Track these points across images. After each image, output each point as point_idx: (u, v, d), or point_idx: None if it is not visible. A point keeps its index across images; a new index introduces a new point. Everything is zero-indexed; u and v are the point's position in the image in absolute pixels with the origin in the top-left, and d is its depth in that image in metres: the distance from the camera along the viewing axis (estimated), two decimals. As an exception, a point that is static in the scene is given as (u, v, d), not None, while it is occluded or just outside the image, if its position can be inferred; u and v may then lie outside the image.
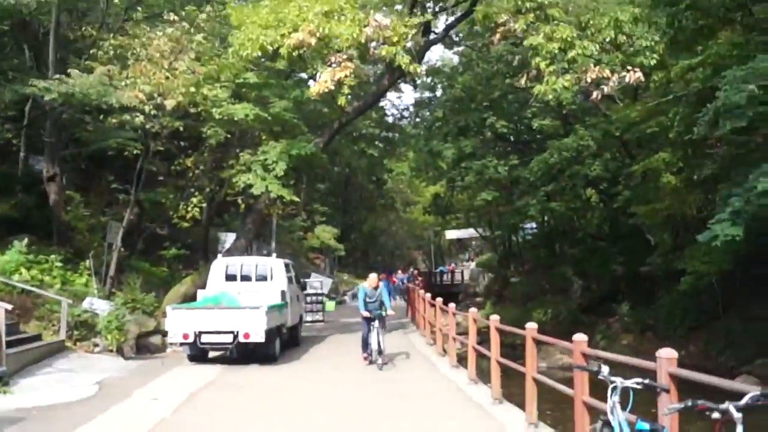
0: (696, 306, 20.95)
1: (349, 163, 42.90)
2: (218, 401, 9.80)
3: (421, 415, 8.80)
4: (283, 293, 15.20)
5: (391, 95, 42.66)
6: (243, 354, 13.63)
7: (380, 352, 13.04)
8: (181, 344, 13.84)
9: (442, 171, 29.61)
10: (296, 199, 16.96)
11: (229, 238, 26.37)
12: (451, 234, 67.71)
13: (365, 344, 13.63)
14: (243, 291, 15.05)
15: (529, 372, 8.10)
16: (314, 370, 13.04)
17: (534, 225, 44.65)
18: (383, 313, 13.63)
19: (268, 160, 16.19)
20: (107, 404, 9.27)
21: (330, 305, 28.03)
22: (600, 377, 4.98)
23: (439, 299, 17.72)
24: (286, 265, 16.36)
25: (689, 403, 3.62)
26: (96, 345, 14.27)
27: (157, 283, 18.79)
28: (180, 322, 13.19)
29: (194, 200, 17.14)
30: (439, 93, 31.62)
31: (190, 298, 17.29)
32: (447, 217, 59.63)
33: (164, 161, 23.67)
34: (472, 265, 60.85)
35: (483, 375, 11.50)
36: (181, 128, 17.12)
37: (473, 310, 12.95)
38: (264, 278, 15.63)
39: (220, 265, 15.76)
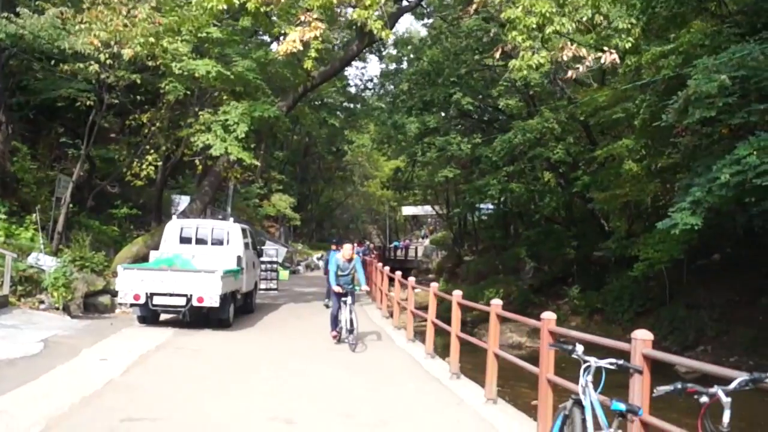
0: (644, 292, 21.41)
1: (310, 131, 42.29)
2: (170, 364, 9.48)
3: (378, 387, 8.67)
4: (239, 258, 14.84)
5: (355, 66, 42.18)
6: (196, 318, 13.28)
7: (351, 331, 11.57)
8: (132, 305, 13.41)
9: (404, 145, 29.31)
10: (256, 162, 16.49)
11: (182, 201, 25.74)
12: (407, 210, 67.94)
13: (334, 321, 12.19)
14: (198, 254, 14.62)
15: (492, 348, 8.02)
16: (269, 338, 12.78)
17: (490, 205, 45.15)
18: (357, 289, 12.45)
19: (229, 120, 15.66)
20: (53, 363, 8.86)
21: (284, 274, 27.72)
22: (574, 356, 4.86)
23: (398, 273, 17.77)
24: (243, 231, 15.97)
25: (678, 386, 3.52)
26: (41, 302, 13.74)
27: (107, 242, 18.19)
28: (131, 282, 12.75)
29: (149, 158, 16.47)
30: (405, 65, 31.22)
31: (141, 258, 16.78)
32: (404, 193, 59.81)
33: (118, 116, 22.80)
34: (427, 242, 61.24)
35: (436, 350, 11.47)
36: (138, 81, 16.46)
37: (434, 284, 12.84)
38: (220, 242, 15.22)
39: (174, 227, 15.28)
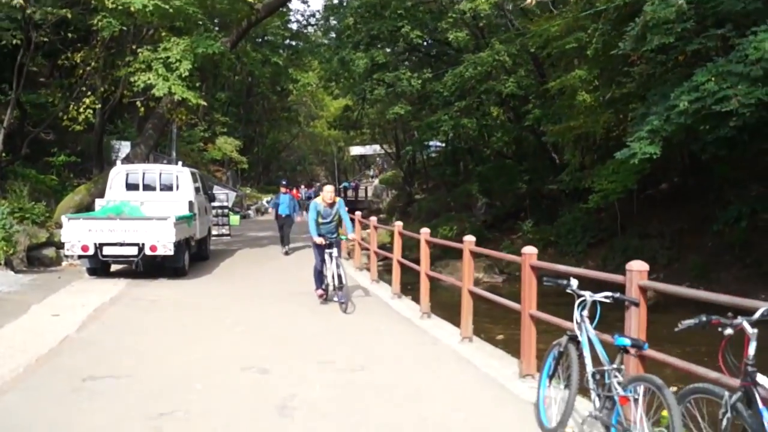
0: (596, 224, 21.73)
1: (253, 71, 40.79)
2: (128, 317, 9.01)
3: (349, 330, 8.42)
4: (190, 204, 14.21)
5: (298, 1, 40.52)
6: (149, 268, 12.74)
7: (341, 287, 9.74)
8: (80, 257, 12.74)
9: (352, 83, 28.51)
10: (202, 102, 15.65)
11: (123, 147, 24.65)
12: (355, 150, 67.37)
13: (319, 278, 10.29)
14: (146, 201, 13.94)
15: (466, 285, 7.82)
16: (229, 286, 12.35)
17: (439, 143, 44.96)
18: (343, 238, 10.60)
19: (170, 58, 14.73)
20: (1, 321, 8.29)
21: (235, 219, 27.04)
22: (568, 291, 4.65)
23: (357, 213, 17.49)
24: (193, 174, 15.28)
25: (703, 319, 3.31)
26: (-21, 258, 12.93)
27: (47, 192, 17.23)
28: (78, 233, 12.06)
29: (86, 101, 15.40)
30: (350, -1, 30.08)
31: (85, 208, 15.97)
32: (352, 133, 59.11)
33: (48, 58, 21.41)
34: (376, 182, 60.98)
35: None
36: (69, 16, 15.32)
37: (399, 223, 12.64)
38: (169, 188, 14.53)
39: (119, 173, 14.49)
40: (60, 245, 13.67)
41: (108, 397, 5.46)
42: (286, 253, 17.47)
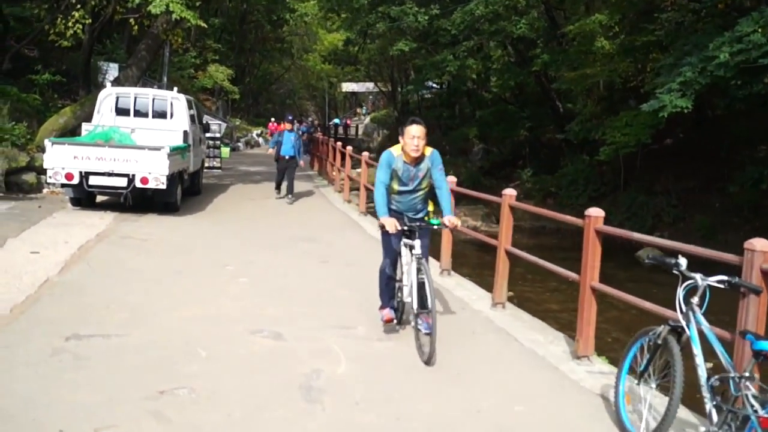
0: (598, 177, 20.99)
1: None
2: (117, 259, 8.06)
3: (362, 276, 7.55)
4: (185, 134, 13.12)
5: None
6: (139, 201, 11.74)
7: (426, 310, 5.32)
8: (63, 186, 11.68)
9: (354, 15, 26.96)
10: (202, 23, 14.34)
11: (111, 69, 23.28)
12: (347, 86, 65.79)
13: (388, 290, 5.85)
14: (138, 128, 12.84)
15: (503, 244, 6.93)
16: (224, 225, 11.40)
17: (434, 84, 43.70)
18: (436, 223, 5.80)
19: (170, -28, 13.39)
20: (-28, 258, 7.34)
21: (225, 152, 25.92)
22: (675, 272, 3.78)
23: (349, 148, 16.77)
24: (189, 102, 14.12)
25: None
26: (-47, 181, 11.89)
27: (29, 112, 15.96)
28: (63, 159, 10.99)
29: (76, 14, 14.02)
30: None
31: (70, 132, 14.85)
32: (345, 69, 57.48)
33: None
34: (367, 120, 59.64)
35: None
36: None
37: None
38: (163, 115, 13.40)
39: (109, 96, 13.30)
40: (41, 171, 12.60)
41: (96, 365, 4.55)
42: (290, 204, 14.99)
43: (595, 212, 5.34)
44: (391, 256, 5.71)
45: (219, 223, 11.52)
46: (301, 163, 15.85)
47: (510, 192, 7.11)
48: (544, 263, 6.25)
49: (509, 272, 6.97)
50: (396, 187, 5.64)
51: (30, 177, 13.55)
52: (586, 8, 21.56)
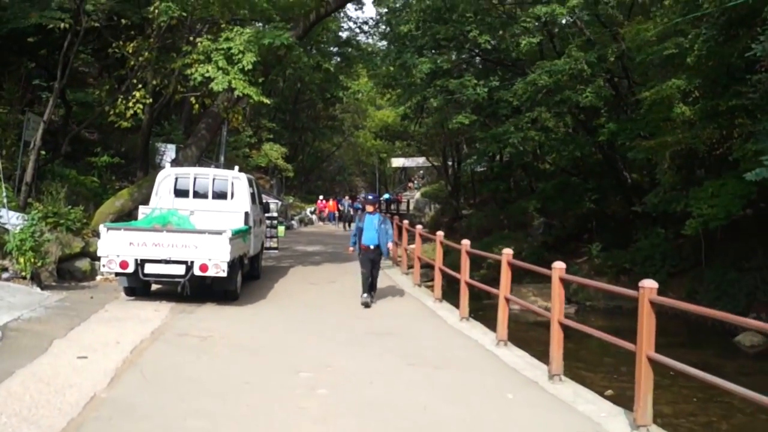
0: (676, 251, 19.61)
1: (302, 76, 39.22)
2: (175, 364, 6.98)
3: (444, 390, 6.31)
4: (246, 215, 12.30)
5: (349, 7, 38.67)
6: (196, 289, 10.81)
7: None
8: (118, 274, 10.86)
9: (413, 88, 26.47)
10: (265, 100, 13.77)
11: (169, 150, 23.09)
12: (397, 161, 65.77)
13: None
14: (197, 210, 12.09)
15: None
16: (290, 316, 10.33)
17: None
18: None
19: (233, 49, 12.90)
20: (12, 364, 6.33)
21: (281, 230, 25.23)
22: None
23: (418, 227, 15.86)
24: (249, 181, 13.39)
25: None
26: (4, 269, 11.16)
27: (86, 195, 15.52)
28: (118, 245, 10.19)
29: (137, 94, 13.63)
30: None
31: (127, 215, 14.23)
32: (398, 143, 57.46)
33: (97, 53, 19.90)
34: (417, 194, 59.06)
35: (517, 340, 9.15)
36: (124, 10, 13.83)
37: (465, 242, 11.07)
38: (223, 195, 12.66)
39: (167, 177, 12.66)
40: (95, 256, 11.87)
41: None
42: (367, 305, 11.34)
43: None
44: None
45: (284, 314, 10.44)
46: (390, 246, 11.80)
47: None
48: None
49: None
50: None
51: (84, 264, 12.84)
52: (659, 73, 20.52)
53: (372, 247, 11.29)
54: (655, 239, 20.73)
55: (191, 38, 14.35)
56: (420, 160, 59.66)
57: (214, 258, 10.23)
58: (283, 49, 13.92)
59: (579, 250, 24.96)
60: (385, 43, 36.11)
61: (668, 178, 20.48)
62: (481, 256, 13.12)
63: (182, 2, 13.00)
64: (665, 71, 20.42)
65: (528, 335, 11.75)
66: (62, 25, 13.17)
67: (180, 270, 10.31)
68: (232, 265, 10.66)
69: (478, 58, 26.26)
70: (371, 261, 11.32)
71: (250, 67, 12.76)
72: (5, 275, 11.01)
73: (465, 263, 10.62)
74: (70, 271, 12.61)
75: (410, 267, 16.45)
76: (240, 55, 12.84)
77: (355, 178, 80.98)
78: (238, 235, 11.12)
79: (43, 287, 11.19)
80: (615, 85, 22.81)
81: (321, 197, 45.26)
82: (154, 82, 14.26)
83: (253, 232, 12.74)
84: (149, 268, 10.31)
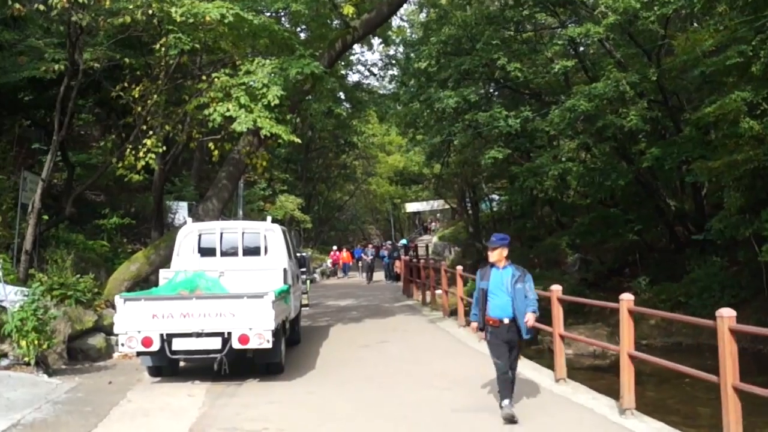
0: (733, 280, 17.98)
1: (314, 123, 38.00)
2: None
3: None
4: (285, 272, 10.45)
5: (358, 51, 37.62)
6: (234, 364, 8.91)
7: None
8: (140, 353, 8.98)
9: (439, 124, 24.83)
10: (296, 139, 12.05)
11: (180, 208, 21.46)
12: (412, 206, 64.64)
13: None
14: (227, 270, 10.26)
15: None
16: (352, 392, 8.35)
17: (494, 196, 41.47)
18: None
19: (255, 83, 11.23)
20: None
21: (307, 285, 23.38)
22: None
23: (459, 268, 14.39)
24: (284, 233, 11.59)
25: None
26: (4, 355, 9.31)
27: (96, 261, 13.72)
28: (138, 319, 8.35)
29: (148, 142, 11.90)
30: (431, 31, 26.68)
31: (144, 280, 12.40)
32: (414, 188, 56.14)
33: (100, 107, 18.45)
34: (434, 239, 57.48)
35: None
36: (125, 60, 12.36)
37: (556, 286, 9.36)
38: (256, 251, 10.84)
39: (190, 234, 10.87)
40: (111, 331, 9.99)
41: None
42: (511, 419, 6.83)
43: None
44: None
45: (346, 391, 8.44)
46: (529, 318, 6.99)
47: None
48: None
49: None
50: None
51: (98, 340, 10.95)
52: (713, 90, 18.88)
53: (506, 321, 7.00)
54: (710, 268, 19.05)
55: (205, 76, 12.67)
56: (435, 204, 58.48)
57: (256, 326, 8.36)
58: (310, 81, 12.25)
59: (621, 286, 23.40)
60: (393, 85, 35.00)
61: (734, 200, 18.62)
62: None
63: (194, 33, 11.37)
64: (716, 85, 18.93)
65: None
66: (57, 66, 11.52)
67: (215, 344, 8.43)
68: (276, 334, 8.78)
69: (506, 88, 24.70)
70: (508, 344, 7.05)
71: (276, 101, 11.04)
72: (5, 362, 9.14)
73: (558, 314, 8.78)
74: (83, 350, 10.71)
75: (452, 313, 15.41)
76: (264, 89, 11.16)
77: (368, 226, 79.47)
78: (280, 296, 9.26)
79: (51, 373, 9.30)
80: (662, 102, 21.21)
81: (335, 247, 43.27)
82: (167, 128, 12.55)
83: (292, 291, 10.88)
84: (178, 344, 8.44)
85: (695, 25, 18.78)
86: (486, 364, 9.47)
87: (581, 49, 22.32)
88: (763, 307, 16.33)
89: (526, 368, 9.30)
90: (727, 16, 16.94)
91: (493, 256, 7.15)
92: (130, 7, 11.16)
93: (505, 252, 7.11)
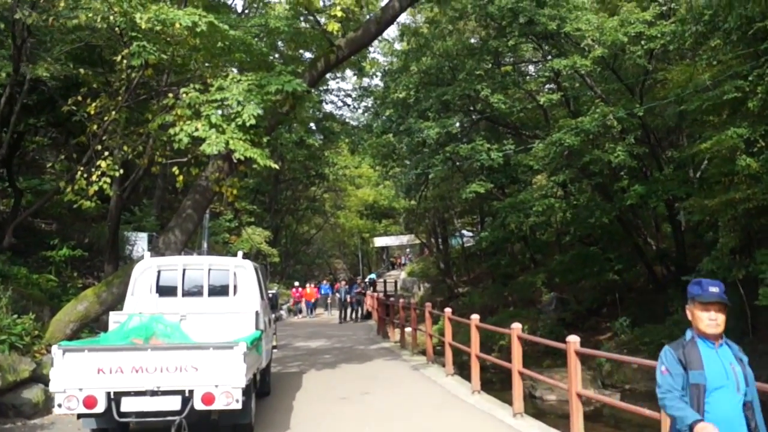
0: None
1: (284, 154, 36.81)
2: None
3: None
4: (257, 316, 9.07)
5: (332, 79, 36.56)
6: (196, 426, 7.46)
7: None
8: (81, 415, 7.46)
9: (418, 155, 23.84)
10: (274, 165, 10.75)
11: (140, 240, 19.89)
12: (380, 241, 63.92)
13: None
14: (190, 313, 8.83)
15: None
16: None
17: (466, 232, 40.72)
18: None
19: (229, 100, 9.97)
20: None
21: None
22: None
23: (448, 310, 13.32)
24: (256, 270, 10.22)
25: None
26: None
27: (40, 299, 12.10)
28: (79, 375, 6.88)
29: (102, 164, 10.44)
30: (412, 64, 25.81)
31: (93, 321, 10.88)
32: (384, 222, 55.25)
33: (56, 128, 17.02)
34: (403, 274, 56.44)
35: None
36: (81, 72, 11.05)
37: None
38: (223, 291, 9.45)
39: (147, 270, 9.43)
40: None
41: None
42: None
43: None
44: None
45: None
46: None
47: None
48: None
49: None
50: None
51: (34, 393, 9.38)
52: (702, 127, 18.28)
53: None
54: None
55: (171, 94, 11.33)
56: (405, 239, 57.70)
57: (224, 383, 6.97)
58: (291, 101, 11.03)
59: (600, 326, 23.05)
60: (366, 116, 34.15)
61: (729, 240, 17.86)
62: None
63: (161, 44, 10.08)
64: (698, 123, 18.49)
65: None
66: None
67: (174, 404, 6.99)
68: (247, 390, 7.40)
69: (487, 120, 23.90)
70: None
71: (252, 121, 9.77)
72: None
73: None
74: (15, 406, 9.13)
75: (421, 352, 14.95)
76: (239, 108, 9.89)
77: (335, 261, 77.98)
78: (253, 345, 7.88)
79: (-27, 437, 7.76)
80: (643, 139, 20.65)
81: (296, 283, 38.53)
82: (126, 149, 11.14)
83: (264, 337, 9.50)
84: (128, 405, 6.97)
85: (686, 61, 18.21)
86: (489, 423, 8.31)
87: (564, 83, 21.65)
88: (747, 351, 15.51)
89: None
90: (721, 50, 16.40)
91: (703, 319, 4.01)
92: (90, 15, 9.90)
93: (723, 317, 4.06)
